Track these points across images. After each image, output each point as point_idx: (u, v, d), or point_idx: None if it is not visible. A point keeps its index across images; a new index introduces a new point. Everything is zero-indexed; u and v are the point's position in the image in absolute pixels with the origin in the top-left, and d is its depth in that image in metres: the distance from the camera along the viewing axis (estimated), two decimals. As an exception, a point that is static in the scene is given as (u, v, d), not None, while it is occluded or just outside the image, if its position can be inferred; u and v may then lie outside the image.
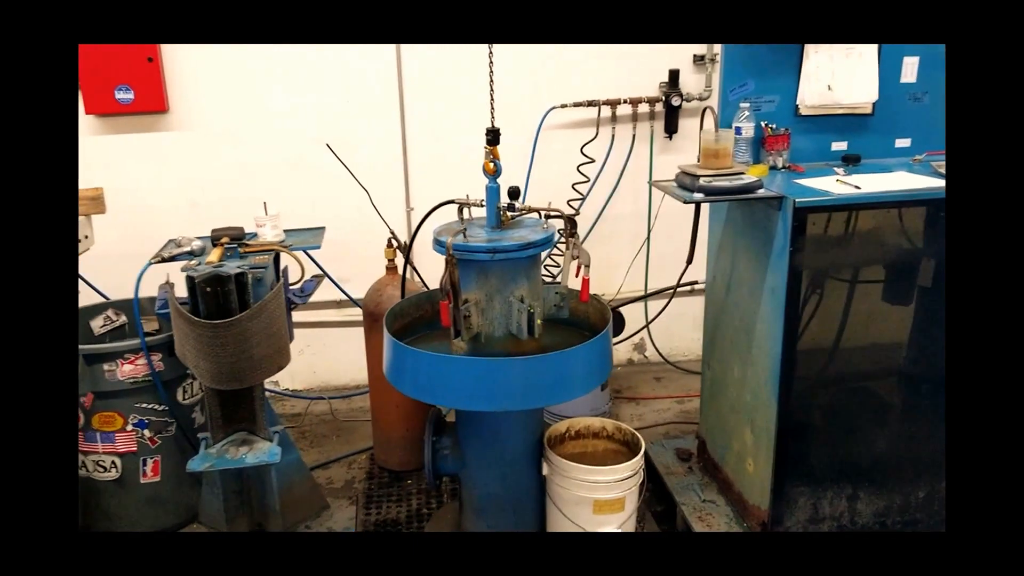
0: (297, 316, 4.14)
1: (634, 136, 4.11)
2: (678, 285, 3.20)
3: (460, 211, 2.73)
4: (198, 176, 3.89)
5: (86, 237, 2.99)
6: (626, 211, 4.23)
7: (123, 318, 3.28)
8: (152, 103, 3.65)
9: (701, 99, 4.05)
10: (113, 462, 2.90)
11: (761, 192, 2.49)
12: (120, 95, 3.59)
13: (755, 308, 2.67)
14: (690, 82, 4.07)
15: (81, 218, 2.96)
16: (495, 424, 2.69)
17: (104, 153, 3.77)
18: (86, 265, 3.23)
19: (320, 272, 3.43)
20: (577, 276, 2.66)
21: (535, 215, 2.68)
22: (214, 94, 3.80)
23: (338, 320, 4.19)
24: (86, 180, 3.57)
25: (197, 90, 3.78)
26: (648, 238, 4.26)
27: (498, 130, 2.53)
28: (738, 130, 2.72)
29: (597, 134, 4.03)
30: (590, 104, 3.97)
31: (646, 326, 4.10)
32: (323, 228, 3.18)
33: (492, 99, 2.57)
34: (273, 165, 3.91)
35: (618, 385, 4.30)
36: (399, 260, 3.37)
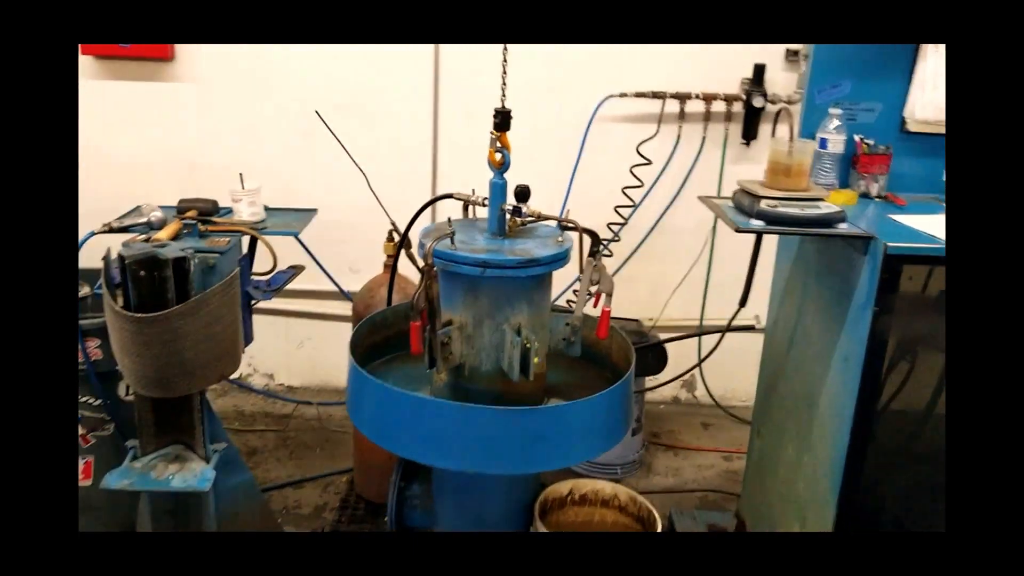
0: (298, 305, 3.74)
1: (704, 138, 3.50)
2: (729, 327, 2.59)
3: (465, 209, 2.22)
4: (200, 136, 3.49)
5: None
6: (687, 225, 3.62)
7: (87, 288, 2.88)
8: (155, 48, 3.26)
9: (790, 102, 3.39)
10: (38, 458, 2.50)
11: (842, 228, 1.88)
12: (118, 35, 3.20)
13: (821, 376, 2.06)
14: (779, 81, 3.42)
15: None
16: (476, 479, 2.17)
17: (100, 99, 3.41)
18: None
19: (298, 262, 2.92)
20: (596, 306, 2.10)
21: (553, 223, 2.13)
22: (227, 48, 3.37)
23: (344, 314, 3.73)
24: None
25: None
26: (710, 259, 3.64)
27: (508, 112, 1.99)
28: (823, 142, 2.10)
29: (657, 131, 3.43)
30: (654, 96, 3.37)
31: (697, 364, 3.48)
32: (314, 210, 2.70)
33: (504, 69, 2.02)
34: (285, 131, 3.48)
35: (657, 428, 3.70)
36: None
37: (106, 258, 2.16)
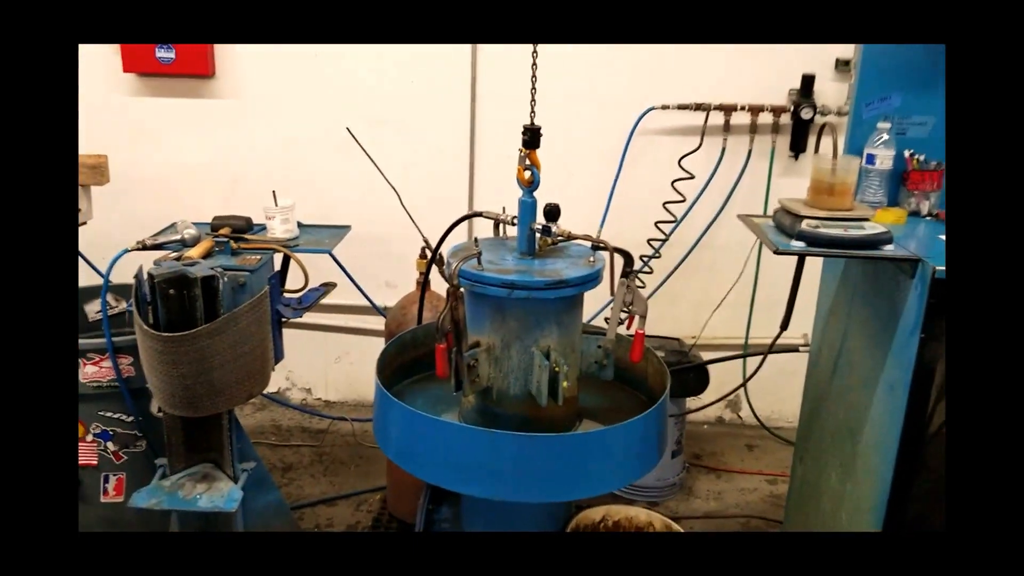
0: (335, 320, 3.73)
1: (750, 151, 3.39)
2: (772, 349, 2.47)
3: (496, 228, 2.18)
4: (241, 152, 3.50)
5: (79, 210, 2.62)
6: (732, 240, 3.49)
7: (123, 304, 2.91)
8: (196, 65, 3.28)
9: (840, 114, 3.27)
10: (73, 473, 2.52)
11: (888, 250, 1.77)
12: (160, 53, 3.24)
13: (865, 404, 1.94)
14: (828, 92, 3.30)
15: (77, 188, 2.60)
16: (505, 504, 2.11)
17: (142, 117, 3.47)
18: (98, 241, 2.89)
19: (334, 279, 2.90)
20: (629, 329, 2.03)
21: (586, 243, 2.07)
22: (267, 62, 3.39)
23: (381, 328, 3.70)
24: (120, 143, 3.28)
25: (248, 56, 3.38)
26: (756, 276, 3.52)
27: (538, 129, 1.93)
28: (870, 158, 1.99)
29: (701, 144, 3.33)
30: (698, 108, 3.28)
31: (741, 386, 3.36)
32: (347, 227, 2.69)
33: (534, 84, 1.96)
34: (321, 147, 3.47)
35: (699, 449, 3.58)
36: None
37: (137, 276, 2.16)
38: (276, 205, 2.54)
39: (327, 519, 2.97)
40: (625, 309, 1.96)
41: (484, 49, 3.35)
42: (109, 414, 2.48)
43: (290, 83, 3.43)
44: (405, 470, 2.00)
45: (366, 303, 3.41)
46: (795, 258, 2.16)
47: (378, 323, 3.66)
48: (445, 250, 2.08)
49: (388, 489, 3.02)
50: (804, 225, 1.80)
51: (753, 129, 3.36)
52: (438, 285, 2.43)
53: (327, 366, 3.88)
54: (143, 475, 2.55)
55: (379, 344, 3.61)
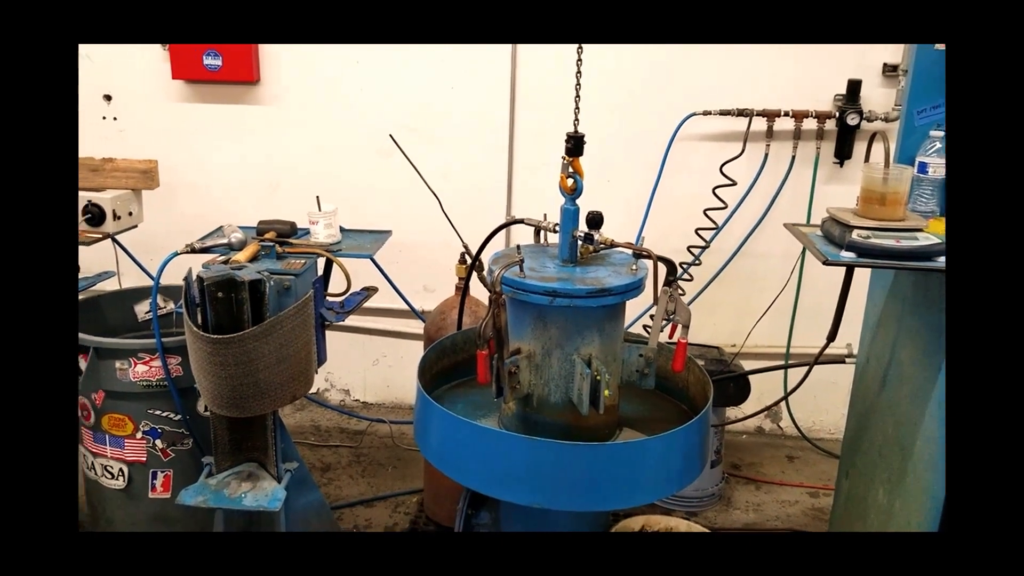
0: (374, 323, 3.76)
1: (793, 158, 3.34)
2: (817, 360, 2.44)
3: (537, 234, 2.17)
4: (284, 157, 3.56)
5: (131, 214, 2.68)
6: (775, 249, 3.45)
7: (171, 305, 2.97)
8: (242, 72, 3.34)
9: (887, 120, 3.21)
10: (121, 469, 2.58)
11: (941, 261, 1.73)
12: (208, 60, 3.30)
13: (916, 419, 1.91)
14: (875, 98, 3.24)
15: (129, 192, 2.66)
16: (545, 512, 2.10)
17: (189, 122, 3.54)
18: (146, 242, 2.97)
19: (373, 283, 2.92)
20: (672, 337, 2.01)
21: (627, 250, 2.06)
22: (309, 70, 3.44)
23: (419, 332, 3.73)
24: (168, 149, 3.36)
25: (292, 64, 3.44)
26: (799, 286, 3.47)
27: (581, 136, 1.93)
28: (922, 167, 1.95)
29: (743, 151, 3.29)
30: (740, 114, 3.24)
31: (784, 399, 3.28)
32: (388, 232, 2.71)
33: (578, 92, 1.96)
34: (362, 152, 3.51)
35: (737, 459, 3.54)
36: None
37: (187, 278, 2.20)
38: (320, 210, 2.57)
39: (365, 520, 3.00)
40: (667, 317, 1.95)
41: (523, 55, 3.35)
42: (157, 412, 2.52)
43: (331, 90, 3.48)
44: (445, 474, 2.01)
45: (403, 307, 3.43)
46: (842, 269, 2.13)
47: (414, 327, 3.69)
48: (484, 256, 2.09)
49: (425, 492, 3.03)
50: (855, 235, 1.77)
51: (797, 135, 3.31)
52: (476, 290, 2.44)
53: (365, 368, 3.91)
54: (190, 473, 2.61)
55: (416, 347, 3.66)
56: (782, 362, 3.49)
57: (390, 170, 3.41)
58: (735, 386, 3.05)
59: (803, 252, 3.42)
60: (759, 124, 3.28)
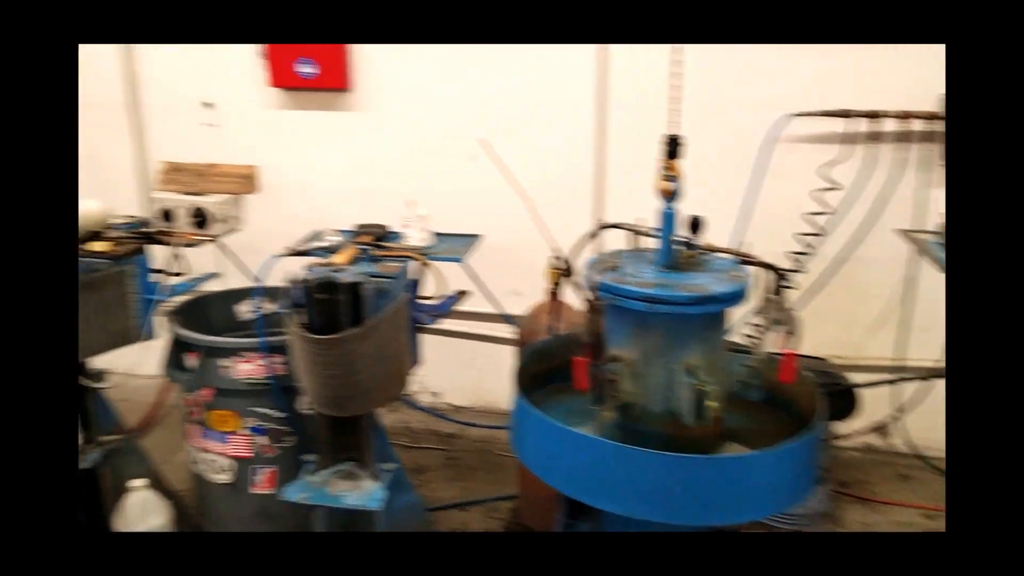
0: (464, 326, 3.78)
1: (900, 160, 3.19)
2: (935, 373, 2.31)
3: (633, 239, 2.14)
4: (375, 163, 3.63)
5: (233, 218, 2.78)
6: (884, 255, 3.29)
7: (273, 306, 3.06)
8: (335, 80, 3.43)
9: (1006, 119, 3.02)
10: (227, 464, 2.67)
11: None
12: (301, 68, 3.40)
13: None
14: (989, 95, 3.06)
15: (229, 197, 2.76)
16: (646, 525, 2.06)
17: (285, 128, 3.66)
18: (244, 243, 3.06)
19: (462, 286, 2.93)
20: (777, 347, 1.95)
21: (730, 256, 2.01)
22: (400, 77, 3.51)
23: (507, 336, 3.73)
24: (264, 155, 3.46)
25: (385, 71, 3.51)
26: (912, 294, 3.30)
27: (678, 138, 1.89)
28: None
29: (847, 154, 3.16)
30: (843, 115, 3.11)
31: (896, 415, 3.10)
32: (477, 236, 2.73)
33: (674, 93, 1.92)
34: (451, 156, 3.55)
35: (846, 476, 3.38)
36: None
37: (291, 281, 2.27)
38: (413, 215, 2.61)
39: (460, 523, 3.02)
40: (774, 326, 1.89)
41: (613, 52, 3.31)
42: (261, 409, 2.60)
43: (420, 96, 3.54)
44: (544, 481, 1.99)
45: (492, 310, 3.44)
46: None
47: (504, 331, 3.69)
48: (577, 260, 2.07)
49: (520, 499, 3.03)
50: (978, 242, 1.68)
51: (903, 137, 3.16)
52: (568, 295, 2.43)
53: (455, 371, 3.94)
54: (291, 469, 2.68)
55: (505, 351, 3.66)
56: (887, 375, 3.33)
57: (477, 173, 3.43)
58: (843, 400, 2.92)
59: (916, 260, 3.26)
60: (862, 125, 3.14)
